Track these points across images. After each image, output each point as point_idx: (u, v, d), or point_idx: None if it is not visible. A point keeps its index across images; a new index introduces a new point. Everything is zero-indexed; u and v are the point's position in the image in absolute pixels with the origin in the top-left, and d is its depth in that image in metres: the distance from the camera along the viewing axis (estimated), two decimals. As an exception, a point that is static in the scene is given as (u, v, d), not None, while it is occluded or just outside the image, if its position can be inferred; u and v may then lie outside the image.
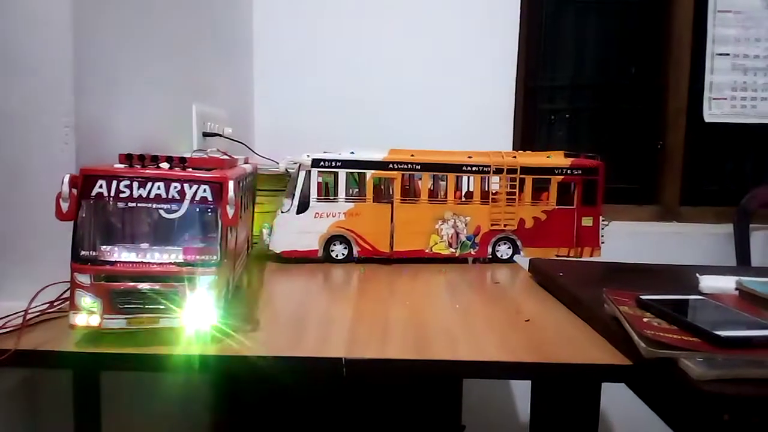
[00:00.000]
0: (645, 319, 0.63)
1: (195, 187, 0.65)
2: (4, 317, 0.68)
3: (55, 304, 0.74)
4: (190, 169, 0.67)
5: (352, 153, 1.12)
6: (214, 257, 0.65)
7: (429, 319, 0.80)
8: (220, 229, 0.66)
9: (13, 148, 0.79)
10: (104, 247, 0.63)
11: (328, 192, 1.12)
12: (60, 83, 0.79)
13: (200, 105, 1.30)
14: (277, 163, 1.21)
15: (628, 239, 1.29)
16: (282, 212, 1.11)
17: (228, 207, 0.65)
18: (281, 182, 1.21)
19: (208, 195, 0.65)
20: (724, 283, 0.81)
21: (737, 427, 0.48)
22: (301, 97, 1.78)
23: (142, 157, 0.66)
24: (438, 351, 0.65)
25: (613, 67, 2.01)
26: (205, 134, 1.29)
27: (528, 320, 0.76)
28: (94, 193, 0.63)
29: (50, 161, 0.79)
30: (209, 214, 0.66)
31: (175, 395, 1.15)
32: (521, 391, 1.85)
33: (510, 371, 0.64)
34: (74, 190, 0.63)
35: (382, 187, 1.14)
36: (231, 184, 0.66)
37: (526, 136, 1.87)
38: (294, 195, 1.10)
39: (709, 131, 1.90)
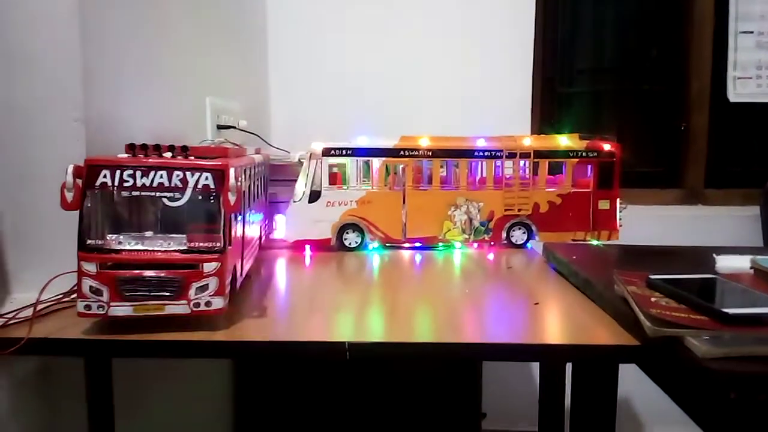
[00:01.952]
0: (653, 299, 0.61)
1: (197, 174, 0.66)
2: (18, 308, 0.70)
3: (69, 294, 0.75)
4: (193, 158, 0.68)
5: (363, 141, 1.12)
6: (218, 244, 0.65)
7: (438, 304, 0.80)
8: (223, 217, 0.66)
9: (23, 143, 0.80)
10: (110, 236, 0.64)
11: (339, 180, 1.12)
12: (68, 78, 0.81)
13: (214, 98, 1.31)
14: (288, 152, 1.22)
15: (651, 223, 1.26)
16: (294, 202, 1.11)
17: (230, 194, 0.66)
18: (292, 173, 1.21)
19: (210, 182, 0.66)
20: (741, 263, 0.79)
21: (744, 405, 0.47)
22: (317, 88, 1.78)
23: (144, 147, 0.67)
24: (445, 334, 0.65)
25: (633, 48, 1.97)
26: (219, 127, 1.30)
27: (537, 303, 0.75)
28: (98, 183, 0.64)
29: (61, 156, 0.80)
30: (212, 201, 0.66)
31: (184, 380, 1.16)
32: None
33: (516, 353, 0.63)
34: (79, 181, 0.64)
35: (394, 174, 1.13)
36: (232, 171, 0.66)
37: (544, 122, 1.84)
38: (305, 184, 1.11)
39: (734, 111, 1.84)
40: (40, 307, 0.71)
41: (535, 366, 1.81)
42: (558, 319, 0.70)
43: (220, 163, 0.67)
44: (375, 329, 0.67)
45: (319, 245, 1.12)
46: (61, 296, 0.75)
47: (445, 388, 1.42)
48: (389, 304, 0.77)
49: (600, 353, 0.62)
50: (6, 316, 0.69)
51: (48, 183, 0.81)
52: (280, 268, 1.02)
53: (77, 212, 0.63)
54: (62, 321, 0.68)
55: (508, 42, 1.77)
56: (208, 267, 0.65)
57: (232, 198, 0.66)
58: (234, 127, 1.36)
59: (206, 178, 0.66)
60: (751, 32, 1.78)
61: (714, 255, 0.84)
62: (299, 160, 1.21)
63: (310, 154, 1.10)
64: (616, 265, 0.84)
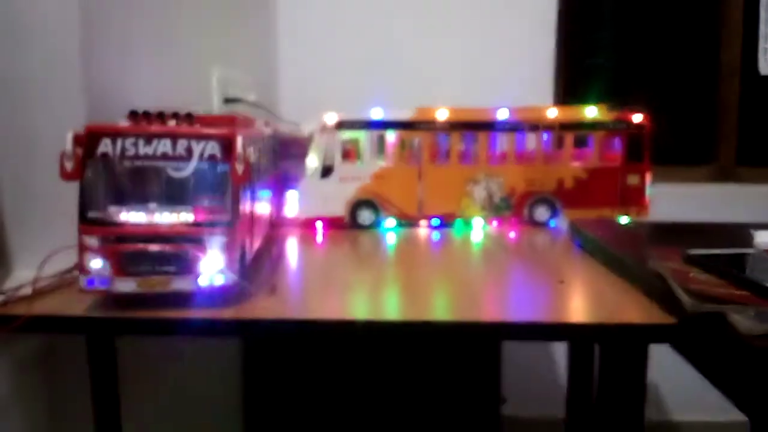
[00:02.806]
0: (691, 274, 0.57)
1: (202, 143, 0.62)
2: (18, 286, 0.67)
3: (71, 270, 0.72)
4: (198, 126, 0.64)
5: (377, 113, 1.07)
6: (226, 217, 0.62)
7: (460, 282, 0.76)
8: (230, 188, 0.62)
9: (23, 114, 0.77)
10: (112, 207, 0.61)
11: (353, 155, 1.07)
12: (69, 46, 0.77)
13: (221, 69, 1.26)
14: (298, 126, 1.17)
15: (681, 202, 1.20)
16: (306, 177, 1.08)
17: (237, 164, 0.62)
18: (304, 148, 1.17)
19: (217, 152, 0.62)
20: (781, 238, 0.74)
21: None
22: (327, 60, 1.72)
23: (147, 114, 0.63)
24: (465, 313, 0.61)
25: (661, 18, 1.89)
26: (227, 100, 1.26)
27: (563, 281, 0.71)
28: (99, 152, 0.60)
29: (61, 126, 0.77)
30: (219, 171, 0.62)
31: (191, 361, 1.14)
32: (560, 360, 1.78)
33: (541, 333, 0.59)
34: (79, 150, 0.60)
35: (410, 148, 1.09)
36: (240, 140, 0.62)
37: (568, 95, 1.77)
38: (317, 159, 1.07)
39: (766, 85, 1.76)
40: (41, 284, 0.68)
41: (558, 350, 1.77)
42: (586, 298, 0.66)
43: (227, 131, 0.63)
44: (391, 308, 0.63)
45: (332, 223, 1.08)
46: (62, 272, 0.72)
47: (464, 371, 1.38)
48: (406, 282, 0.73)
49: (632, 333, 0.57)
50: (4, 293, 0.66)
51: (49, 154, 0.78)
52: (292, 245, 0.98)
53: (73, 180, 0.60)
54: (64, 298, 0.65)
55: (530, 8, 1.69)
56: (216, 241, 0.61)
57: (239, 168, 0.62)
58: (242, 101, 1.32)
59: (212, 147, 0.62)
60: (786, 1, 1.69)
61: (752, 231, 0.79)
62: (310, 134, 1.17)
63: (323, 126, 1.06)
64: (648, 242, 0.79)
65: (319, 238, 1.03)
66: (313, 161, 1.07)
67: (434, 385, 1.38)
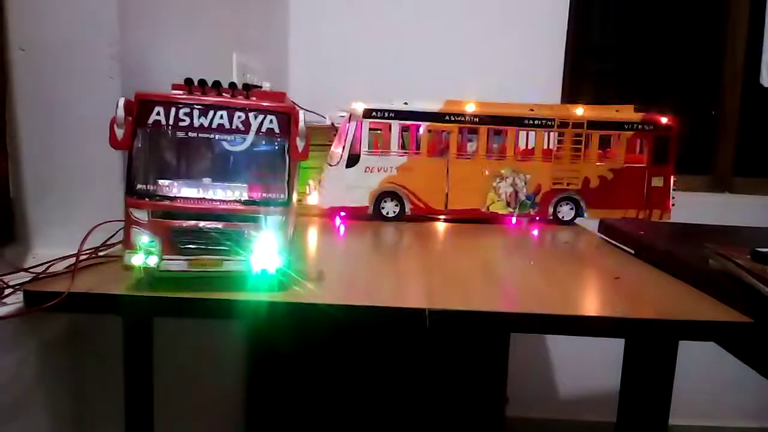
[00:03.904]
0: (770, 272, 0.55)
1: (261, 117, 0.58)
2: (48, 262, 0.63)
3: (100, 249, 0.68)
4: (255, 99, 0.60)
5: (406, 104, 1.05)
6: (282, 196, 0.58)
7: (506, 275, 0.73)
8: (288, 165, 0.59)
9: (54, 83, 0.72)
10: (162, 181, 0.57)
11: (379, 145, 1.04)
12: (105, 13, 0.73)
13: (240, 55, 1.23)
14: (324, 117, 1.14)
15: (677, 210, 1.20)
16: (330, 165, 1.04)
17: (299, 139, 0.58)
18: (325, 137, 1.13)
19: (275, 126, 0.59)
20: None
21: None
22: (338, 52, 1.68)
23: (203, 83, 0.60)
24: (530, 306, 0.58)
25: (666, 28, 1.90)
26: (245, 86, 1.21)
27: (618, 278, 0.69)
28: (151, 120, 0.56)
29: (94, 95, 0.73)
30: (276, 147, 0.59)
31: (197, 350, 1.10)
32: (563, 362, 1.78)
33: (622, 328, 0.56)
34: (129, 118, 0.56)
35: (438, 140, 1.06)
36: (302, 114, 0.59)
37: (573, 97, 1.77)
38: (343, 147, 1.03)
39: (767, 97, 1.78)
40: (68, 262, 0.64)
41: (561, 351, 1.76)
42: (650, 295, 0.64)
43: (287, 105, 0.59)
44: (452, 298, 0.60)
45: (355, 213, 1.05)
46: (92, 251, 0.67)
47: (469, 371, 1.36)
48: (454, 274, 0.71)
49: (709, 330, 0.55)
50: (33, 270, 0.62)
51: (77, 126, 0.74)
52: (318, 235, 0.95)
53: (112, 160, 0.56)
54: (98, 276, 0.61)
55: (540, 13, 1.69)
56: (272, 220, 0.57)
57: (300, 144, 0.59)
58: (260, 87, 1.27)
59: (271, 121, 0.59)
60: (789, 16, 1.72)
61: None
62: (332, 124, 1.14)
63: (350, 115, 1.03)
64: (691, 241, 0.78)
65: (342, 228, 0.99)
66: (338, 149, 1.03)
67: (439, 385, 1.36)
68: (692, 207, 1.34)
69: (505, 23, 1.69)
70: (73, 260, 0.61)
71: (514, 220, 1.08)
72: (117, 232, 0.69)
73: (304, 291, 0.59)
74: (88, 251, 0.64)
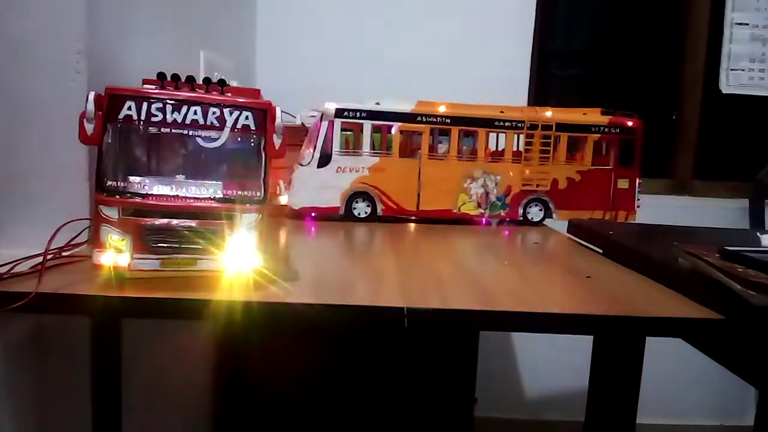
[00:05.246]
0: (739, 269, 0.57)
1: (236, 113, 0.58)
2: (12, 262, 0.60)
3: (64, 248, 0.66)
4: (229, 95, 0.59)
5: (377, 104, 1.04)
6: (258, 193, 0.57)
7: (481, 274, 0.74)
8: (264, 162, 0.58)
9: (19, 77, 0.70)
10: (133, 177, 0.55)
11: (351, 145, 1.04)
12: (72, 5, 0.70)
13: (208, 53, 1.21)
14: (294, 116, 1.13)
15: (639, 212, 1.23)
16: (301, 165, 1.03)
17: (275, 136, 0.58)
18: (295, 137, 1.12)
19: (251, 123, 0.58)
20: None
21: None
22: (306, 52, 1.67)
23: (176, 78, 0.58)
24: (506, 304, 0.58)
25: (628, 33, 1.95)
26: (220, 82, 1.20)
27: (589, 277, 0.70)
28: (121, 115, 0.55)
29: (60, 91, 0.70)
30: (252, 144, 0.58)
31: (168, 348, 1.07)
32: (532, 363, 1.80)
33: (594, 325, 0.57)
34: (99, 113, 0.54)
35: (409, 141, 1.06)
36: (278, 111, 0.58)
37: (538, 102, 1.80)
38: (315, 147, 1.02)
39: (726, 103, 1.84)
40: (33, 262, 0.61)
41: (531, 350, 1.78)
42: (620, 292, 0.65)
43: (264, 101, 0.58)
44: (429, 297, 0.60)
45: (326, 213, 1.04)
46: (57, 250, 0.65)
47: (439, 371, 1.37)
48: (429, 273, 0.70)
49: (680, 327, 0.57)
50: (-3, 270, 0.59)
51: (43, 122, 0.71)
52: (288, 236, 0.94)
53: (78, 156, 0.54)
54: (65, 277, 0.59)
55: (508, 18, 1.71)
56: (247, 218, 0.56)
57: (278, 141, 0.58)
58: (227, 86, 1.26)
59: (246, 118, 0.58)
60: (747, 24, 1.78)
61: (758, 234, 0.81)
62: (303, 124, 1.13)
63: (322, 114, 1.02)
64: (661, 241, 0.80)
65: (314, 228, 0.98)
66: (309, 149, 1.03)
67: (409, 386, 1.36)
68: (654, 209, 1.39)
69: (473, 25, 1.71)
70: (37, 260, 0.59)
71: (484, 220, 1.09)
72: (83, 231, 0.67)
73: (280, 290, 0.59)
74: (53, 251, 0.62)
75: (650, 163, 1.91)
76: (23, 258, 0.61)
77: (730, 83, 1.80)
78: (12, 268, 0.59)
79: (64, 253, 0.65)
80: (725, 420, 1.86)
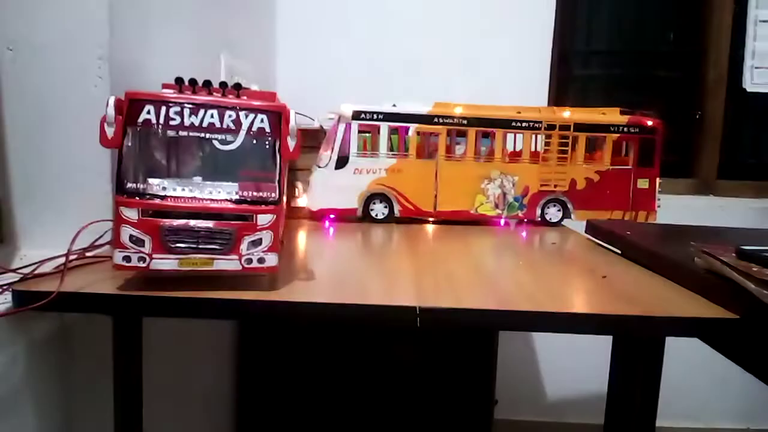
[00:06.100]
0: (755, 268, 0.56)
1: (252, 116, 0.59)
2: (37, 263, 0.62)
3: (89, 249, 0.68)
4: (245, 98, 0.61)
5: (394, 106, 1.05)
6: (273, 194, 0.58)
7: (496, 275, 0.74)
8: (279, 164, 0.59)
9: (43, 83, 0.72)
10: (152, 179, 0.57)
11: (368, 147, 1.05)
12: (95, 14, 0.72)
13: (228, 57, 1.23)
14: (312, 119, 1.14)
15: (661, 213, 1.22)
16: (318, 167, 1.04)
17: (289, 138, 0.59)
18: (314, 139, 1.14)
19: (266, 125, 0.59)
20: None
21: None
22: (327, 55, 1.69)
23: (193, 82, 0.60)
24: (519, 304, 0.59)
25: (650, 32, 1.93)
26: (236, 86, 1.21)
27: (605, 276, 0.70)
28: (141, 119, 0.56)
29: (83, 96, 0.73)
30: (267, 146, 0.59)
31: (187, 344, 1.09)
32: (551, 365, 1.79)
33: (607, 324, 0.57)
34: (119, 117, 0.56)
35: (427, 142, 1.07)
36: (292, 114, 0.59)
37: (559, 103, 1.79)
38: (332, 149, 1.04)
39: (750, 101, 1.81)
40: (57, 263, 0.63)
41: (550, 353, 1.77)
42: (637, 293, 0.65)
43: (279, 104, 0.60)
44: (443, 297, 0.61)
45: (344, 215, 1.05)
46: (80, 251, 0.67)
47: (458, 372, 1.37)
48: (444, 273, 0.71)
49: (695, 326, 0.56)
50: (21, 271, 0.61)
51: (66, 126, 0.73)
52: (307, 237, 0.95)
53: (100, 159, 0.56)
54: (87, 276, 0.61)
55: (527, 20, 1.70)
56: (263, 219, 0.58)
57: (291, 143, 0.59)
58: (247, 90, 1.27)
59: (261, 121, 0.59)
60: (771, 21, 1.75)
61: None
62: (321, 126, 1.14)
63: (339, 116, 1.03)
64: (677, 241, 0.79)
65: (332, 230, 0.99)
66: (327, 151, 1.04)
67: (428, 387, 1.36)
68: (676, 210, 1.37)
69: (492, 27, 1.70)
70: (61, 261, 0.61)
71: (502, 221, 1.09)
72: (105, 232, 0.69)
73: (296, 290, 0.60)
74: (77, 252, 0.64)
75: (674, 163, 1.90)
76: (47, 258, 0.63)
77: (755, 81, 1.77)
78: (36, 269, 0.61)
79: (87, 254, 0.67)
80: (751, 423, 1.83)
